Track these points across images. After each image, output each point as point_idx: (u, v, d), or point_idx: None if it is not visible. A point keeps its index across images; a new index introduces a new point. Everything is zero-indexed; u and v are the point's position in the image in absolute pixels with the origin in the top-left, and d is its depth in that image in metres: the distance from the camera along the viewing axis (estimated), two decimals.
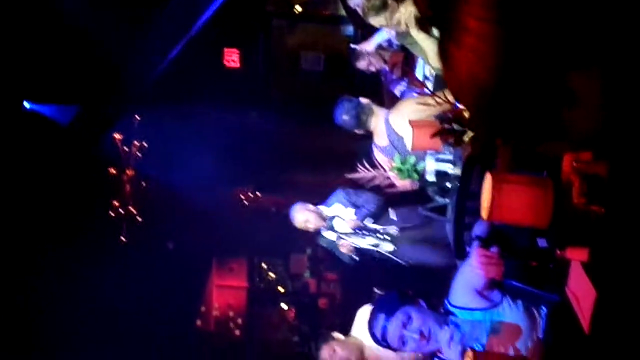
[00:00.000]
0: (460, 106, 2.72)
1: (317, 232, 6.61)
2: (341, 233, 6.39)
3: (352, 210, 6.40)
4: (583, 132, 1.09)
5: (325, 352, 5.98)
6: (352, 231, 6.33)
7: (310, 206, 6.53)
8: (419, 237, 6.17)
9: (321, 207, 6.56)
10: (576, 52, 1.01)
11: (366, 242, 6.29)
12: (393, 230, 6.19)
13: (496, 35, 1.02)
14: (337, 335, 6.25)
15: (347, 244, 6.35)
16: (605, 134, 1.11)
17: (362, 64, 6.95)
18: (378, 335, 3.65)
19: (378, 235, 6.23)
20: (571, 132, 1.08)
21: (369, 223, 6.31)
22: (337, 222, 6.44)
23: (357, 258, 6.44)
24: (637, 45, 1.02)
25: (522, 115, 1.07)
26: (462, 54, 1.06)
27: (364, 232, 6.29)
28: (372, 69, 6.91)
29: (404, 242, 6.21)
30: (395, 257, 6.20)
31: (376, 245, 6.24)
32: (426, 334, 3.55)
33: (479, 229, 3.65)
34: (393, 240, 6.20)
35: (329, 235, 6.51)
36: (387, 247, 6.20)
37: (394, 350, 3.78)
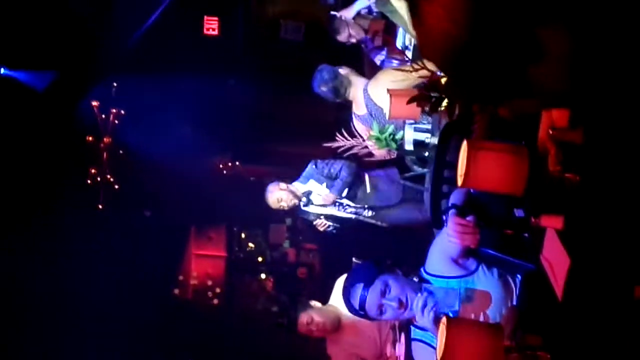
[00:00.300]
0: (438, 73, 2.72)
1: (297, 209, 6.58)
2: (319, 205, 6.39)
3: (326, 185, 6.36)
4: (550, 87, 1.08)
5: (302, 319, 6.02)
6: (331, 205, 6.32)
7: (283, 185, 6.46)
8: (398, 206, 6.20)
9: (295, 184, 6.50)
10: (543, 8, 1.00)
11: (346, 213, 6.30)
12: (370, 212, 6.23)
13: None
14: (314, 303, 6.28)
15: (324, 224, 6.36)
16: (572, 89, 1.11)
17: (342, 37, 6.89)
18: (356, 304, 3.65)
19: (357, 209, 6.22)
20: (539, 88, 1.08)
21: (345, 199, 6.31)
22: (314, 197, 6.41)
23: (335, 231, 6.45)
24: (602, 2, 1.01)
25: (491, 71, 1.06)
26: (432, 9, 1.05)
27: (343, 206, 6.28)
28: (353, 40, 6.86)
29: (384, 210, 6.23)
30: (375, 220, 6.21)
31: (357, 214, 6.24)
32: (404, 301, 3.56)
33: (455, 198, 3.66)
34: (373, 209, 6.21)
35: (310, 209, 6.49)
36: (367, 214, 6.22)
37: (371, 319, 3.80)
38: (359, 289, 3.64)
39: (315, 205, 6.41)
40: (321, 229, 6.39)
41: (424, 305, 3.46)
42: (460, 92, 1.23)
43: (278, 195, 6.39)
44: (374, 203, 6.20)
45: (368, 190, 6.22)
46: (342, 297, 3.90)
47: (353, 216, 6.25)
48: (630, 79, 1.13)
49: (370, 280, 3.63)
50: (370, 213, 6.17)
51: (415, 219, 5.91)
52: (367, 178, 6.22)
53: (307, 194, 6.38)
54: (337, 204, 6.28)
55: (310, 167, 6.46)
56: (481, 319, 3.45)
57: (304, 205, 6.45)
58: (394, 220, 6.20)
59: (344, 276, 5.38)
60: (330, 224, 6.36)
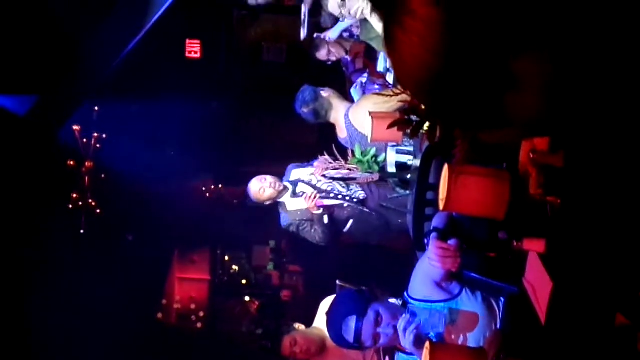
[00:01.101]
0: None
1: (278, 209, 6.25)
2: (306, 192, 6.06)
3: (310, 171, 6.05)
4: (526, 117, 1.08)
5: (286, 342, 5.99)
6: (319, 191, 6.00)
7: (266, 176, 6.18)
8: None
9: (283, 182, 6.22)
10: (518, 37, 1.00)
11: (337, 200, 5.97)
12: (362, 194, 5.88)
13: (440, 19, 1.01)
14: (298, 325, 6.25)
15: (314, 195, 5.94)
16: (549, 119, 1.11)
17: (322, 54, 6.90)
18: (350, 338, 3.62)
19: (346, 197, 5.91)
20: (515, 118, 1.07)
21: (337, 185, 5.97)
22: (300, 186, 6.13)
23: (326, 220, 6.06)
24: (578, 31, 1.01)
25: (466, 100, 1.05)
26: (407, 38, 1.05)
27: (334, 192, 5.95)
28: (333, 58, 6.87)
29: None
30: (366, 208, 5.90)
31: (348, 199, 5.91)
32: (397, 327, 3.55)
33: (437, 221, 3.66)
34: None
35: (293, 204, 6.17)
36: (359, 195, 5.87)
37: (362, 349, 3.77)
38: (352, 322, 3.61)
39: (302, 192, 6.08)
40: (311, 203, 5.95)
41: (406, 327, 3.44)
42: (438, 118, 1.22)
43: (260, 185, 6.11)
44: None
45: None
46: (329, 331, 3.85)
47: (345, 203, 5.91)
48: (608, 106, 1.13)
49: (362, 311, 3.61)
50: (362, 195, 5.82)
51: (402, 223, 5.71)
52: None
53: (294, 183, 6.10)
54: (327, 191, 5.96)
55: (290, 166, 6.28)
56: (467, 342, 3.43)
57: (291, 196, 6.15)
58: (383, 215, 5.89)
59: (329, 298, 5.37)
60: (321, 200, 5.97)
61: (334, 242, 6.31)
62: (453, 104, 1.07)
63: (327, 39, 6.77)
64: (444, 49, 1.02)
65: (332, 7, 5.74)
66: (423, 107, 2.64)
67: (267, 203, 6.19)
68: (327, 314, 3.89)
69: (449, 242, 3.47)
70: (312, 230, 6.08)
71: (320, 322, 6.09)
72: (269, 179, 6.06)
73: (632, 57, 1.04)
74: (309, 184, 5.99)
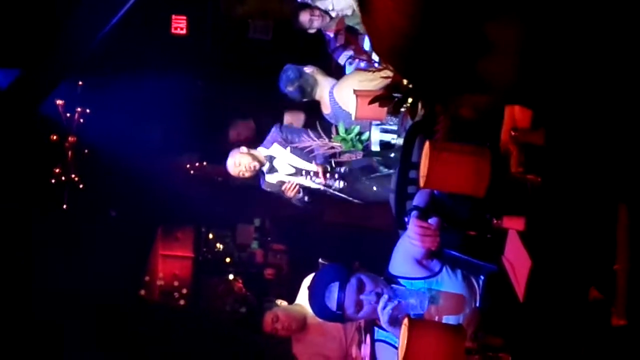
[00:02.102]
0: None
1: (259, 178, 6.22)
2: (285, 174, 6.06)
3: (290, 150, 5.98)
4: (500, 82, 1.07)
5: (267, 317, 6.02)
6: (297, 171, 5.97)
7: (243, 148, 6.13)
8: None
9: (258, 149, 6.16)
10: (491, 1, 0.99)
11: (315, 184, 5.95)
12: (341, 183, 5.83)
13: None
14: (280, 302, 6.28)
15: (293, 185, 5.96)
16: (522, 84, 1.10)
17: (303, 17, 6.80)
18: (333, 305, 3.61)
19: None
20: (489, 83, 1.07)
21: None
22: (277, 163, 6.10)
23: (306, 199, 6.05)
24: None
25: (439, 65, 1.05)
26: (381, 3, 1.04)
27: (311, 175, 5.89)
28: (315, 24, 6.77)
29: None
30: (345, 195, 5.91)
31: (327, 185, 5.89)
32: (382, 294, 3.55)
33: (418, 200, 3.66)
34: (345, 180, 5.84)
35: (271, 178, 6.16)
36: (337, 185, 5.84)
37: (344, 320, 3.77)
38: (334, 288, 3.61)
39: (280, 173, 6.09)
40: (291, 194, 5.98)
41: (384, 307, 3.45)
42: (414, 85, 1.22)
43: (238, 159, 6.08)
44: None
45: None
46: (311, 302, 3.85)
47: (322, 187, 5.91)
48: (582, 73, 1.12)
49: (345, 278, 3.61)
50: (341, 184, 5.80)
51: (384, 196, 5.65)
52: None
53: (270, 158, 6.05)
54: (304, 172, 5.91)
55: (274, 130, 6.15)
56: (449, 320, 3.45)
57: (267, 172, 6.11)
58: (364, 195, 5.87)
59: (312, 275, 5.36)
60: (300, 187, 5.98)
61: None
62: (427, 70, 1.06)
63: (309, 1, 6.69)
64: (418, 13, 1.01)
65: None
66: (405, 83, 2.63)
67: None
68: (310, 285, 3.90)
69: (429, 220, 3.48)
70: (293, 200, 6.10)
71: (302, 299, 6.10)
72: (244, 161, 6.05)
73: (608, 20, 1.04)
74: (287, 175, 6.04)
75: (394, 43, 1.04)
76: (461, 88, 1.09)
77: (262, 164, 6.09)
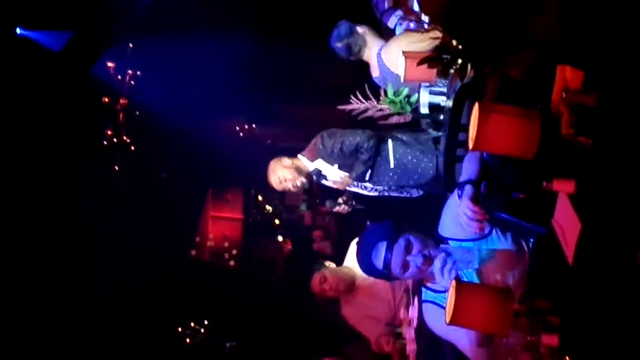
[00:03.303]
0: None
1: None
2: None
3: (337, 166, 5.47)
4: (546, 39, 1.06)
5: (316, 279, 6.06)
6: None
7: (286, 161, 5.52)
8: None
9: (301, 159, 5.53)
10: None
11: (367, 192, 5.59)
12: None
13: None
14: (329, 263, 6.30)
15: (345, 208, 5.74)
16: (567, 41, 1.08)
17: None
18: (380, 264, 3.61)
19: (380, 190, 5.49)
20: (537, 40, 1.06)
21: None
22: (326, 173, 5.57)
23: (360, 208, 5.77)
24: None
25: (488, 22, 1.04)
26: None
27: (364, 186, 5.50)
28: None
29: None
30: (403, 194, 5.55)
31: (381, 192, 5.54)
32: (429, 256, 3.55)
33: (469, 169, 3.59)
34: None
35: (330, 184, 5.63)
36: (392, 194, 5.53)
37: (393, 279, 3.76)
38: (382, 247, 3.60)
39: (330, 180, 5.57)
40: (344, 213, 5.77)
41: (443, 265, 3.44)
42: (462, 44, 1.21)
43: (281, 173, 5.50)
44: (402, 182, 5.37)
45: (392, 165, 5.35)
46: (359, 259, 3.86)
47: (376, 194, 5.52)
48: (632, 36, 1.11)
49: (393, 238, 3.60)
50: (395, 191, 5.45)
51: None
52: (391, 149, 5.35)
53: (317, 172, 5.53)
54: (356, 184, 5.48)
55: (318, 144, 5.51)
56: (504, 278, 3.43)
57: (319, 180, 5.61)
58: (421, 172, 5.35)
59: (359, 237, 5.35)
60: (352, 206, 5.73)
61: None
62: (475, 28, 1.06)
63: None
64: None
65: None
66: (454, 44, 2.60)
67: None
68: (358, 242, 3.90)
69: (480, 192, 3.45)
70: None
71: (350, 261, 6.13)
72: (289, 176, 5.48)
73: None
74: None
75: (442, 3, 1.03)
76: (509, 46, 1.08)
77: (309, 178, 5.56)
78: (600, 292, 2.62)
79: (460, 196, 3.50)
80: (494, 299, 2.86)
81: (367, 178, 5.40)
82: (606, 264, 2.54)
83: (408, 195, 5.62)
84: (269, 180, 5.61)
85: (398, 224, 3.73)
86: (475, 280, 3.46)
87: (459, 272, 3.45)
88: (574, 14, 1.02)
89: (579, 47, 1.12)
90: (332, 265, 6.23)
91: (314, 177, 5.49)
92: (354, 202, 5.81)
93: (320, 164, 5.46)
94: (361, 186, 5.52)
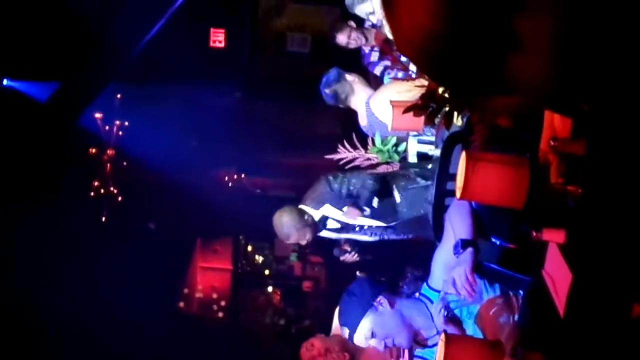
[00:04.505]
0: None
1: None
2: (333, 230, 5.40)
3: (342, 211, 5.32)
4: (531, 81, 1.01)
5: (303, 349, 5.90)
6: (348, 226, 5.36)
7: (289, 232, 5.33)
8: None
9: (308, 210, 5.39)
10: None
11: (368, 237, 5.42)
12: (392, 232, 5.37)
13: None
14: (318, 335, 6.13)
15: (352, 256, 5.39)
16: (555, 83, 1.03)
17: (341, 38, 6.74)
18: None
19: (380, 230, 5.36)
20: (520, 82, 1.00)
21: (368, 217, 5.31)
22: (330, 223, 5.43)
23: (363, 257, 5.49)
24: None
25: (467, 63, 0.99)
26: (406, 1, 0.98)
27: (362, 228, 5.35)
28: (353, 44, 6.72)
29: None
30: (401, 235, 5.38)
31: (380, 235, 5.37)
32: (391, 346, 3.59)
33: (463, 225, 3.51)
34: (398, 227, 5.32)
35: (327, 234, 5.49)
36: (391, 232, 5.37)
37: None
38: (345, 332, 3.72)
39: (329, 229, 5.40)
40: (350, 262, 5.41)
41: (441, 310, 3.44)
42: (441, 85, 1.15)
43: (287, 232, 5.32)
44: (407, 215, 5.23)
45: (398, 199, 5.24)
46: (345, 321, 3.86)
47: (377, 238, 5.36)
48: (622, 76, 1.05)
49: (357, 322, 3.66)
50: (393, 233, 5.31)
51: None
52: (395, 185, 5.26)
53: (323, 220, 5.35)
54: (355, 227, 5.31)
55: (324, 189, 5.40)
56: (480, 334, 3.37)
57: (320, 231, 5.45)
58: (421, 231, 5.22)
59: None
60: (357, 254, 5.39)
61: None
62: (454, 68, 1.00)
63: (350, 23, 6.64)
64: (443, 9, 0.96)
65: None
66: (439, 92, 2.57)
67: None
68: (338, 311, 3.93)
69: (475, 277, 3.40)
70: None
71: (337, 329, 6.00)
72: (293, 235, 5.33)
73: None
74: (337, 221, 5.42)
75: (420, 43, 0.99)
76: (491, 88, 1.03)
77: (316, 231, 5.37)
78: (593, 345, 2.54)
79: (456, 252, 3.43)
80: (483, 352, 2.78)
81: (371, 216, 5.29)
82: (599, 316, 2.47)
83: (405, 237, 5.51)
84: (276, 231, 5.44)
85: (383, 284, 3.73)
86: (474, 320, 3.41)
87: (462, 309, 3.42)
88: (559, 55, 0.97)
89: (569, 92, 1.06)
90: (320, 335, 6.09)
91: (320, 226, 5.32)
92: (358, 254, 5.60)
93: (327, 210, 5.34)
94: (362, 231, 5.38)
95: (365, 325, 3.58)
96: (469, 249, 3.36)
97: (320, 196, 5.41)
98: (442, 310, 3.42)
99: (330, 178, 5.37)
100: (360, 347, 5.76)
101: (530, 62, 0.96)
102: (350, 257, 5.41)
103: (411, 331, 3.58)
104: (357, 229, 5.35)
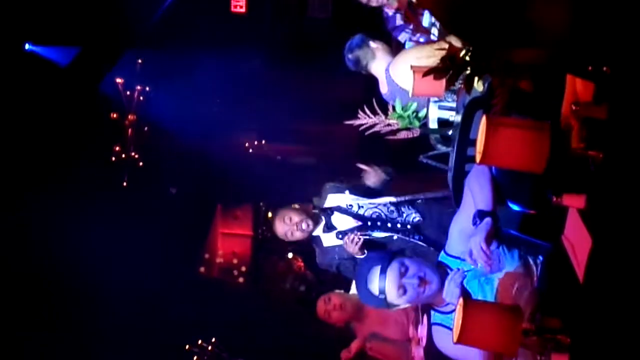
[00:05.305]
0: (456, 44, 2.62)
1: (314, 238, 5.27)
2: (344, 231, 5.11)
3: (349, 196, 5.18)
4: (552, 29, 0.99)
5: (320, 301, 5.95)
6: (361, 224, 5.11)
7: (290, 214, 5.18)
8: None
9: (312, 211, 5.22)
10: None
11: (381, 233, 5.11)
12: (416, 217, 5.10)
13: None
14: (337, 290, 6.17)
15: (354, 239, 4.97)
16: (572, 31, 1.02)
17: None
18: (375, 289, 3.56)
19: (397, 224, 5.10)
20: (539, 31, 0.99)
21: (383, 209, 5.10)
22: (336, 217, 5.17)
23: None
24: None
25: (489, 13, 0.98)
26: None
27: (379, 222, 5.11)
28: (374, 2, 6.59)
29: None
30: (422, 239, 5.06)
31: (398, 226, 5.09)
32: (425, 277, 3.49)
33: (484, 195, 3.46)
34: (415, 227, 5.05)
35: (329, 239, 5.21)
36: (412, 218, 5.09)
37: (389, 306, 3.70)
38: (376, 272, 3.55)
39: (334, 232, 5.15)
40: (354, 248, 4.96)
41: (452, 278, 3.41)
42: (464, 38, 1.14)
43: (288, 214, 5.19)
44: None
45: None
46: (357, 288, 3.80)
47: (394, 235, 5.05)
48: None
49: (387, 263, 3.55)
50: (417, 218, 5.05)
51: None
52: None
53: (327, 214, 5.15)
54: (370, 222, 5.06)
55: (324, 187, 5.31)
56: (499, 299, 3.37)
57: (324, 232, 5.22)
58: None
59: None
60: (362, 235, 4.99)
61: None
62: (476, 17, 0.99)
63: None
64: None
65: None
66: (461, 55, 2.54)
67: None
68: (355, 272, 3.86)
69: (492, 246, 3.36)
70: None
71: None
72: (295, 218, 5.15)
73: None
74: (347, 212, 5.18)
75: None
76: (511, 38, 1.02)
77: (316, 223, 5.20)
78: (611, 310, 2.53)
79: (474, 223, 3.41)
80: (502, 317, 2.78)
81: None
82: (618, 281, 2.46)
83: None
84: (274, 226, 5.30)
85: (391, 251, 3.69)
86: (494, 288, 3.39)
87: (481, 279, 3.40)
88: (584, 5, 0.96)
89: (590, 44, 1.05)
90: (339, 291, 6.12)
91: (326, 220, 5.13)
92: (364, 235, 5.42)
93: (331, 200, 5.24)
94: (377, 229, 5.09)
95: (394, 269, 3.51)
96: (487, 220, 3.34)
97: (322, 192, 5.31)
98: (458, 280, 3.40)
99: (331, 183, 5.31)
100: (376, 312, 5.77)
101: (550, 7, 0.95)
102: (353, 245, 5.19)
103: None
104: (372, 220, 5.08)
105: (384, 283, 3.50)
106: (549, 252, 3.31)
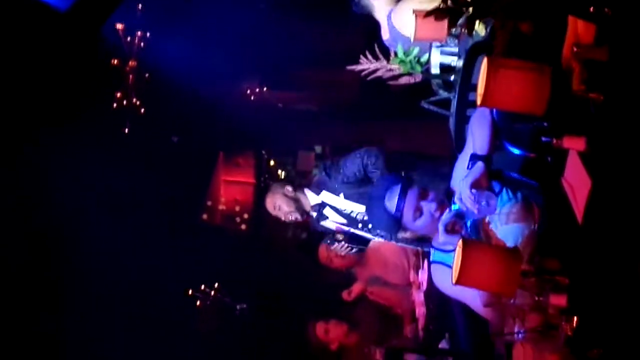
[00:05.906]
0: None
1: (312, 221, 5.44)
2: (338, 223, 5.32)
3: (343, 195, 5.27)
4: None
5: (322, 247, 5.98)
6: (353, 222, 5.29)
7: (289, 189, 5.38)
8: None
9: (307, 193, 5.39)
10: None
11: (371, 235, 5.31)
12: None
13: None
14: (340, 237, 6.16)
15: (343, 247, 5.40)
16: None
17: None
18: (392, 207, 3.56)
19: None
20: None
21: None
22: (328, 211, 5.37)
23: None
24: None
25: None
26: None
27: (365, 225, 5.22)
28: None
29: None
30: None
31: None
32: (445, 202, 3.54)
33: (481, 139, 3.47)
34: None
35: (327, 224, 5.42)
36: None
37: (400, 227, 3.68)
38: (396, 190, 3.57)
39: (329, 221, 5.36)
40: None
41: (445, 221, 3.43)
42: None
43: (278, 202, 5.40)
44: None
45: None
46: (370, 204, 3.78)
47: (380, 239, 5.26)
48: None
49: (408, 184, 3.58)
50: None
51: None
52: None
53: (320, 206, 5.32)
54: (360, 222, 5.26)
55: (320, 174, 5.49)
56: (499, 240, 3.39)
57: (317, 221, 5.43)
58: None
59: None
60: (351, 246, 5.47)
61: None
62: None
63: None
64: None
65: None
66: None
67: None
68: (372, 189, 3.86)
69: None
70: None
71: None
72: (284, 207, 5.36)
73: None
74: (336, 210, 5.33)
75: None
76: None
77: (304, 215, 5.40)
78: (610, 252, 2.56)
79: (469, 167, 3.43)
80: (501, 258, 2.81)
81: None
82: (616, 223, 2.48)
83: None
84: (265, 201, 5.53)
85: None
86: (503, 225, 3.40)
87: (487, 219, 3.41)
88: None
89: None
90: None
91: (315, 213, 5.29)
92: (353, 246, 5.55)
93: (325, 196, 5.32)
94: (366, 229, 5.28)
95: (415, 190, 3.54)
96: (479, 164, 3.36)
97: (318, 181, 5.43)
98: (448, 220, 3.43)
99: (328, 163, 5.49)
100: (378, 252, 5.80)
101: None
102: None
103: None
104: (361, 225, 5.25)
105: (403, 202, 3.53)
106: (549, 194, 3.33)
